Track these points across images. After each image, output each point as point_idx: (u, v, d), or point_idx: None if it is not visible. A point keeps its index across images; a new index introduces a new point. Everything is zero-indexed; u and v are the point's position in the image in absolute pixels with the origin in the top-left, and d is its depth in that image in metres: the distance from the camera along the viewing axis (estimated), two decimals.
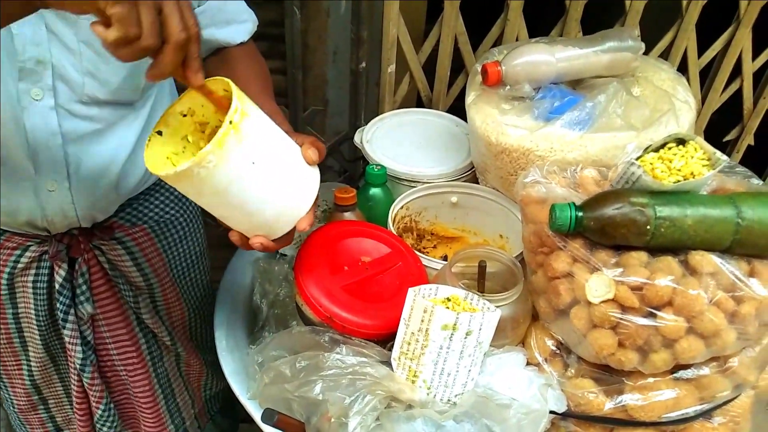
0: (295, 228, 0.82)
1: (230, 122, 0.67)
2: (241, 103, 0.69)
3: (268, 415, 0.82)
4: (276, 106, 0.95)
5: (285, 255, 1.19)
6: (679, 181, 0.82)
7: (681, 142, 0.86)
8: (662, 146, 0.85)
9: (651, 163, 0.84)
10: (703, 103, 1.62)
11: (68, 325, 1.07)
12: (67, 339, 1.08)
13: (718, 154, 0.83)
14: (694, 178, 0.82)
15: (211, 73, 1.03)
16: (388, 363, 0.85)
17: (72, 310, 1.06)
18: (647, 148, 0.85)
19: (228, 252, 1.23)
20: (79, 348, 1.09)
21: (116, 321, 1.12)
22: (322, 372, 0.82)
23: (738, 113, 1.68)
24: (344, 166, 1.61)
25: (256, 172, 0.72)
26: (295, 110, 1.48)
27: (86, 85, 0.87)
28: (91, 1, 0.57)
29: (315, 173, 0.82)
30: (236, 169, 0.70)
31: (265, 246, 0.80)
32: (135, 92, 0.95)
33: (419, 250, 1.12)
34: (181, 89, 0.92)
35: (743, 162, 1.73)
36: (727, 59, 1.55)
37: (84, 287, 1.05)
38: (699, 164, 0.82)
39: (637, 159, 0.84)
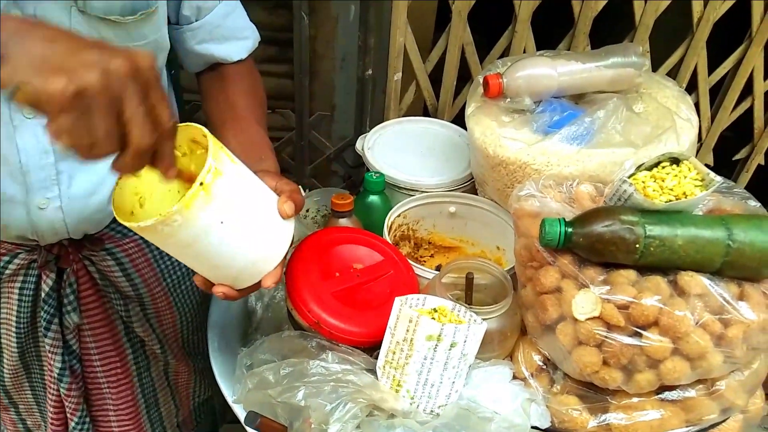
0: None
1: (201, 183, 0.65)
2: (216, 161, 0.66)
3: (251, 418, 0.82)
4: (263, 133, 0.93)
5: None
6: (670, 200, 0.81)
7: (675, 161, 0.85)
8: (656, 165, 0.85)
9: (643, 182, 0.83)
10: (712, 121, 1.61)
11: (50, 334, 1.05)
12: (47, 348, 1.06)
13: (712, 175, 0.82)
14: (686, 198, 0.81)
15: (203, 87, 1.03)
16: (373, 371, 0.85)
17: (56, 320, 1.04)
18: (640, 166, 0.84)
19: None
20: (59, 357, 1.06)
21: (102, 331, 1.10)
22: (305, 378, 0.82)
23: (749, 131, 1.66)
24: (348, 172, 1.62)
25: (224, 231, 0.70)
26: (302, 115, 1.49)
27: None
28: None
29: (288, 227, 0.80)
30: (203, 228, 0.68)
31: (227, 295, 0.78)
32: None
33: (416, 259, 1.12)
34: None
35: (753, 181, 1.71)
36: (738, 78, 1.53)
37: (71, 297, 1.03)
38: (692, 184, 0.82)
39: (630, 177, 0.83)
